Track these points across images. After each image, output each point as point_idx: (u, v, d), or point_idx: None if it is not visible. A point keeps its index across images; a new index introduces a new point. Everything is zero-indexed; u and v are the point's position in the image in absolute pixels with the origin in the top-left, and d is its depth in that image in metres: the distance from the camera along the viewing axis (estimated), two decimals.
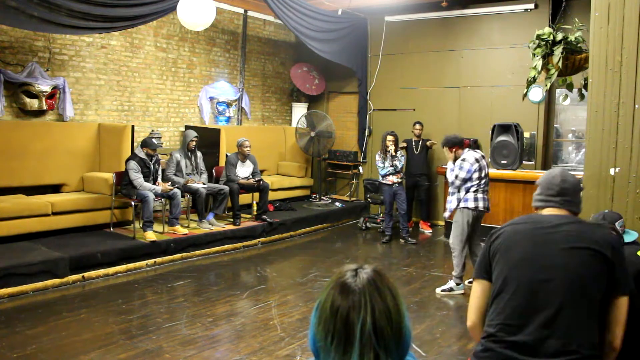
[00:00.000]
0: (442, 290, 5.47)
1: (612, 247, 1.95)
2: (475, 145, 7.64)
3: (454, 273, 5.48)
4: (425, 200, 8.43)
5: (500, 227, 2.12)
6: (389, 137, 7.38)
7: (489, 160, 7.60)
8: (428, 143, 8.38)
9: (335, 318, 1.16)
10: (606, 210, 3.30)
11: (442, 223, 8.47)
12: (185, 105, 8.46)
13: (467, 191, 5.37)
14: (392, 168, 7.39)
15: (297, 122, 9.27)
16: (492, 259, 2.05)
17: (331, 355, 1.15)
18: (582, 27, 4.29)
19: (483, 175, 5.41)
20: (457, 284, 5.44)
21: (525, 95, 5.02)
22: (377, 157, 7.51)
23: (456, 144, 5.52)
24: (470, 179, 5.36)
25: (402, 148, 8.10)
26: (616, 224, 3.13)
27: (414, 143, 8.41)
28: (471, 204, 5.34)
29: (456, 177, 5.37)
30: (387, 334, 1.15)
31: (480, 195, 5.38)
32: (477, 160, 5.39)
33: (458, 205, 5.41)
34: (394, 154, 7.37)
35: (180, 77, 8.33)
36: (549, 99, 8.07)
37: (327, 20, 8.70)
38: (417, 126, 8.38)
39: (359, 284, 1.19)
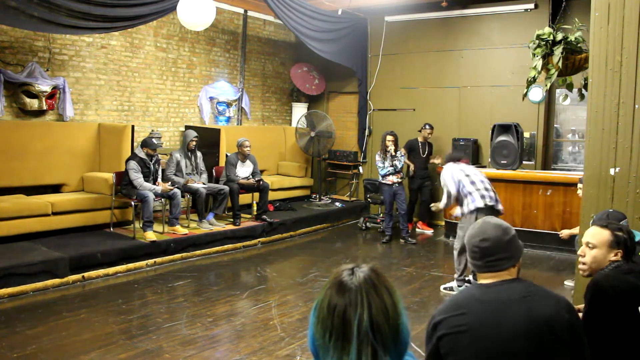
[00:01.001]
0: (444, 288, 5.49)
1: (568, 322, 1.73)
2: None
3: (455, 275, 5.48)
4: (427, 200, 8.42)
5: (442, 312, 1.84)
6: (389, 137, 7.38)
7: (489, 160, 7.61)
8: (432, 160, 8.32)
9: (333, 316, 1.18)
10: (610, 210, 3.30)
11: (442, 223, 8.47)
12: (185, 105, 8.46)
13: (470, 194, 5.33)
14: (392, 168, 7.39)
15: (297, 122, 9.27)
16: (443, 358, 1.79)
17: (330, 353, 1.17)
18: (582, 27, 4.29)
19: (473, 175, 5.39)
20: (459, 286, 5.44)
21: (525, 95, 5.02)
22: (377, 157, 7.51)
23: (452, 160, 5.63)
24: (463, 185, 5.34)
25: (405, 154, 8.10)
26: (620, 224, 3.12)
27: (420, 145, 8.35)
28: (480, 203, 5.27)
29: (449, 195, 5.41)
30: (384, 331, 1.16)
31: (485, 193, 5.32)
32: (460, 170, 5.43)
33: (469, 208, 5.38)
34: (393, 153, 7.37)
35: (180, 77, 8.33)
36: (549, 99, 8.07)
37: (327, 20, 8.70)
38: (428, 128, 8.25)
39: (356, 282, 1.20)
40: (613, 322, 2.18)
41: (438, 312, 1.84)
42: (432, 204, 6.08)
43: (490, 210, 5.22)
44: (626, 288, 2.22)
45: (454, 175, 5.42)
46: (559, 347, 1.70)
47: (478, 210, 5.26)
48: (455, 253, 5.45)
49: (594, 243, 2.35)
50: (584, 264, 2.39)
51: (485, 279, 1.88)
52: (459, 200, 5.41)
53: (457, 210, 5.56)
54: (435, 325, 1.81)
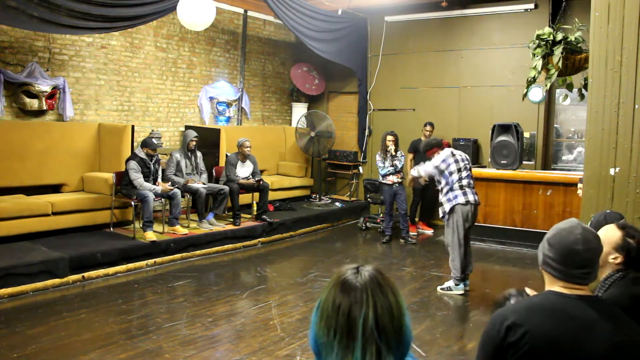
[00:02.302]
0: (441, 288, 5.48)
1: None
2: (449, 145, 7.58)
3: (452, 274, 5.47)
4: (431, 201, 8.40)
5: (516, 316, 1.65)
6: (389, 137, 7.38)
7: (489, 160, 7.61)
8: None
9: (338, 314, 1.18)
10: (607, 211, 3.30)
11: (441, 223, 8.46)
12: (185, 105, 8.46)
13: (452, 188, 5.34)
14: (392, 168, 7.39)
15: (297, 122, 9.27)
16: None
17: (334, 350, 1.16)
18: (582, 27, 4.30)
19: (462, 167, 5.38)
20: (456, 284, 5.43)
21: (525, 95, 5.03)
22: (377, 157, 7.51)
23: (434, 146, 5.57)
24: (450, 173, 5.34)
25: (407, 156, 8.13)
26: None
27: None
28: (461, 199, 5.30)
29: (435, 167, 5.39)
30: (388, 330, 1.16)
31: (467, 189, 5.35)
32: (452, 154, 5.42)
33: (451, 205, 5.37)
34: (393, 153, 7.37)
35: (180, 77, 8.33)
36: (549, 99, 8.07)
37: (327, 20, 8.70)
38: (428, 127, 8.25)
39: (361, 280, 1.20)
40: None
41: (511, 314, 1.66)
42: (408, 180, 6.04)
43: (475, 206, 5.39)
44: (636, 303, 2.09)
45: (449, 158, 5.39)
46: None
47: (460, 204, 5.31)
48: (451, 251, 5.42)
49: (602, 238, 2.31)
50: None
51: (563, 289, 1.72)
52: (441, 189, 5.46)
53: (413, 172, 5.71)
54: (509, 328, 1.63)
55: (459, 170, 5.37)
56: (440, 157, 5.41)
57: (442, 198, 5.47)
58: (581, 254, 1.68)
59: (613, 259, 2.22)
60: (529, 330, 1.60)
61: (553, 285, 1.74)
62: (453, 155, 5.43)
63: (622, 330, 1.61)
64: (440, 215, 5.55)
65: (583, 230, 1.71)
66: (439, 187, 5.52)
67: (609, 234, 2.25)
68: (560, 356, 1.58)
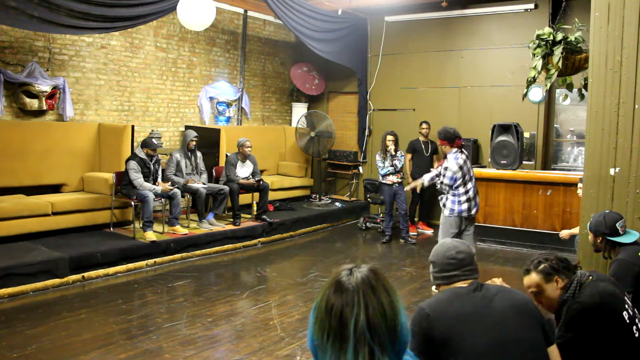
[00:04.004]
0: (436, 289, 5.47)
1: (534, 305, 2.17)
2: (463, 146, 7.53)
3: None
4: (430, 201, 8.41)
5: (433, 305, 2.05)
6: (389, 137, 7.38)
7: (489, 160, 7.61)
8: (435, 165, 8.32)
9: (330, 316, 1.19)
10: (607, 211, 3.31)
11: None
12: (185, 105, 8.46)
13: (458, 195, 5.32)
14: (392, 168, 7.39)
15: (297, 122, 9.27)
16: (438, 347, 1.97)
17: (328, 352, 1.17)
18: (582, 27, 4.30)
19: (467, 179, 5.35)
20: None
21: (525, 95, 5.03)
22: (377, 157, 7.52)
23: (447, 139, 5.42)
24: (461, 178, 5.32)
25: (406, 155, 8.14)
26: (617, 224, 3.13)
27: (422, 145, 8.34)
28: (465, 213, 5.32)
29: (441, 182, 5.38)
30: (381, 331, 1.17)
31: (472, 202, 5.35)
32: (460, 168, 5.32)
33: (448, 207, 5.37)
34: (393, 153, 7.37)
35: (180, 77, 8.33)
36: (549, 99, 8.07)
37: (327, 20, 8.70)
38: (424, 125, 8.25)
39: (353, 282, 1.21)
40: (605, 332, 2.27)
41: (429, 305, 2.06)
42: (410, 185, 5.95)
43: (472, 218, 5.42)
44: (608, 298, 2.32)
45: (456, 174, 5.31)
46: (535, 320, 2.05)
47: (451, 216, 5.30)
48: None
49: (534, 289, 2.45)
50: (547, 309, 2.47)
51: (458, 285, 2.18)
52: (444, 189, 5.39)
53: (425, 180, 5.64)
54: (429, 315, 2.01)
55: (471, 178, 5.38)
56: (448, 176, 5.30)
57: (444, 199, 5.44)
58: (456, 256, 2.18)
59: (559, 283, 2.41)
60: (442, 310, 2.02)
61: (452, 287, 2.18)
62: (461, 168, 5.33)
63: (512, 294, 2.10)
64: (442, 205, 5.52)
65: (452, 241, 2.28)
66: (440, 187, 5.49)
67: (533, 281, 2.46)
68: (467, 323, 1.97)
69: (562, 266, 2.44)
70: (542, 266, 2.44)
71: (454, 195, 5.33)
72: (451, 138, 5.42)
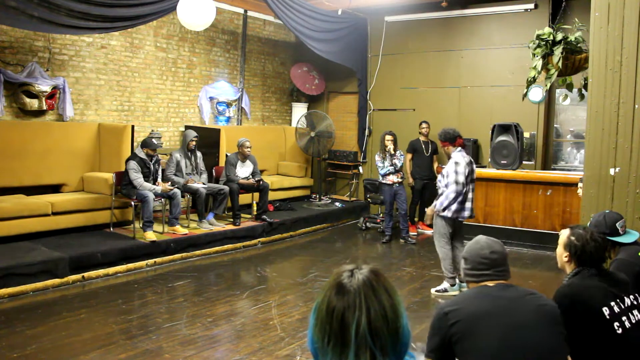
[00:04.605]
0: (437, 291, 5.48)
1: (561, 315, 2.12)
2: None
3: (445, 275, 5.47)
4: (430, 201, 8.40)
5: (452, 304, 2.08)
6: (388, 137, 7.38)
7: (489, 160, 7.61)
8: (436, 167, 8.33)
9: (331, 319, 1.18)
10: (607, 211, 3.30)
11: None
12: (185, 105, 8.46)
13: (459, 201, 5.30)
14: (392, 167, 7.38)
15: (297, 122, 9.27)
16: (453, 344, 1.99)
17: (328, 356, 1.16)
18: (582, 27, 4.30)
19: (469, 180, 5.34)
20: (452, 285, 5.44)
21: (525, 95, 5.03)
22: (377, 157, 7.51)
23: (447, 140, 5.41)
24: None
25: (410, 160, 8.18)
26: (617, 224, 3.13)
27: (422, 145, 8.33)
28: (461, 214, 5.33)
29: (456, 182, 5.23)
30: (382, 334, 1.16)
31: (468, 204, 5.34)
32: (468, 164, 5.32)
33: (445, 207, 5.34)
34: (392, 153, 7.37)
35: (180, 77, 8.33)
36: (549, 99, 8.07)
37: (327, 20, 8.70)
38: (424, 125, 8.25)
39: (354, 284, 1.20)
40: (580, 328, 2.31)
41: (448, 304, 2.09)
42: (427, 214, 5.79)
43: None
44: (584, 292, 2.40)
45: (466, 169, 5.25)
46: (559, 329, 2.06)
47: (448, 217, 5.30)
48: (439, 251, 5.45)
49: (558, 241, 2.58)
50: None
51: (487, 283, 2.18)
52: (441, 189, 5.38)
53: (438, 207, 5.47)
54: (447, 314, 2.03)
55: (471, 181, 5.36)
56: (459, 170, 5.24)
57: (441, 205, 5.38)
58: (489, 256, 2.16)
59: (565, 257, 2.52)
60: (460, 308, 2.03)
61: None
62: (468, 165, 5.31)
63: (540, 300, 2.10)
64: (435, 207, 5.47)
65: (487, 239, 2.23)
66: (440, 188, 5.50)
67: (561, 236, 2.57)
68: (494, 324, 1.97)
69: (577, 253, 2.48)
70: (572, 239, 2.50)
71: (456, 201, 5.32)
72: (452, 138, 5.43)
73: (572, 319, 2.29)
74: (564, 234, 2.57)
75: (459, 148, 5.42)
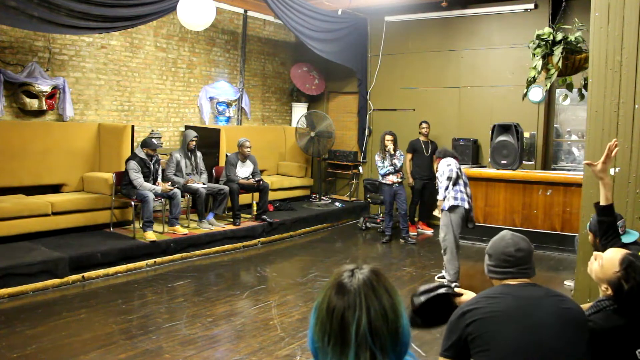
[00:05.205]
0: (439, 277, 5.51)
1: (586, 321, 2.02)
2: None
3: (448, 277, 5.47)
4: (430, 201, 8.41)
5: (472, 303, 2.01)
6: (387, 137, 7.38)
7: (489, 160, 7.61)
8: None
9: (332, 318, 1.17)
10: None
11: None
12: (185, 105, 8.46)
13: (456, 191, 5.46)
14: (392, 167, 7.38)
15: (297, 122, 9.27)
16: (469, 343, 1.94)
17: (328, 356, 1.16)
18: (582, 27, 4.30)
19: (464, 177, 5.60)
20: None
21: (525, 95, 5.04)
22: (377, 157, 7.51)
23: (439, 157, 5.78)
24: (457, 183, 5.46)
25: (410, 160, 8.22)
26: (617, 224, 3.13)
27: (422, 145, 8.33)
28: (465, 203, 5.45)
29: (448, 178, 5.46)
30: (383, 334, 1.16)
31: (466, 198, 5.50)
32: (457, 167, 5.57)
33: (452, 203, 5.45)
34: (392, 152, 7.37)
35: (180, 77, 8.33)
36: (549, 99, 8.07)
37: (327, 20, 8.70)
38: (424, 125, 8.26)
39: (355, 284, 1.20)
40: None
41: (468, 303, 2.02)
42: (435, 212, 5.98)
43: (467, 212, 5.51)
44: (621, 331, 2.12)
45: (456, 166, 5.56)
46: (581, 335, 1.97)
47: (461, 207, 5.42)
48: (448, 251, 5.47)
49: (604, 261, 2.22)
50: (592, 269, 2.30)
51: (509, 282, 2.09)
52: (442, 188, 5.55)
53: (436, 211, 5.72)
54: (465, 313, 1.97)
55: (460, 178, 5.53)
56: (446, 167, 5.51)
57: (442, 195, 5.51)
58: (514, 254, 2.06)
59: (604, 289, 2.18)
60: (478, 308, 1.96)
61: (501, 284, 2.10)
62: (449, 165, 5.56)
63: (563, 303, 2.00)
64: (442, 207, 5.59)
65: (512, 236, 2.12)
66: (439, 187, 5.53)
67: (610, 265, 2.17)
68: (511, 324, 1.91)
69: (626, 298, 2.12)
70: (623, 281, 2.12)
71: (454, 191, 5.45)
72: (439, 155, 5.83)
73: (607, 351, 2.12)
74: (613, 267, 2.15)
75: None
